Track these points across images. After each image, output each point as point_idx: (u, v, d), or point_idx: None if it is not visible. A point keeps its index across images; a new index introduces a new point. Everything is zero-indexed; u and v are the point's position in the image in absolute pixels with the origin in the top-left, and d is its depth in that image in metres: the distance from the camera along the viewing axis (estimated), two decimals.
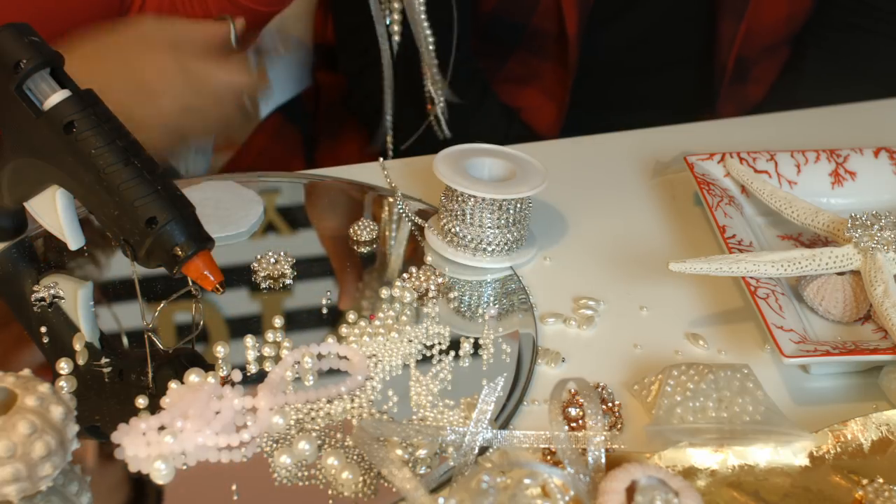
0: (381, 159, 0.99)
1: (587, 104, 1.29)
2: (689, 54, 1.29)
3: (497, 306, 0.83)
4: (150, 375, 0.75)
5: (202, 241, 0.75)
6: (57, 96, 0.74)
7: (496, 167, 0.89)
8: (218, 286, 0.75)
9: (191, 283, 0.77)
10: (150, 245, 0.73)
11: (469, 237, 0.86)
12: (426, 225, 0.90)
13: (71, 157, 0.73)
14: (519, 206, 0.86)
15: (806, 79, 1.29)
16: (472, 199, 0.85)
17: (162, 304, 0.80)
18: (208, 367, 0.75)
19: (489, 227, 0.85)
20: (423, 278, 0.83)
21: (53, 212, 0.78)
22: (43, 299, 0.81)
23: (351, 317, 0.80)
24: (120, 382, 0.75)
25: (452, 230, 0.87)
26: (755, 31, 1.25)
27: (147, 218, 0.73)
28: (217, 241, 0.79)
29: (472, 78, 1.26)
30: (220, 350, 0.76)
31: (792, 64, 1.32)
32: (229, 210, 0.89)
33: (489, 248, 0.86)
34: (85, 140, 0.73)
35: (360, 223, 0.91)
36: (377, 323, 0.80)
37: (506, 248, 0.87)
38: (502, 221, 0.85)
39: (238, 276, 0.85)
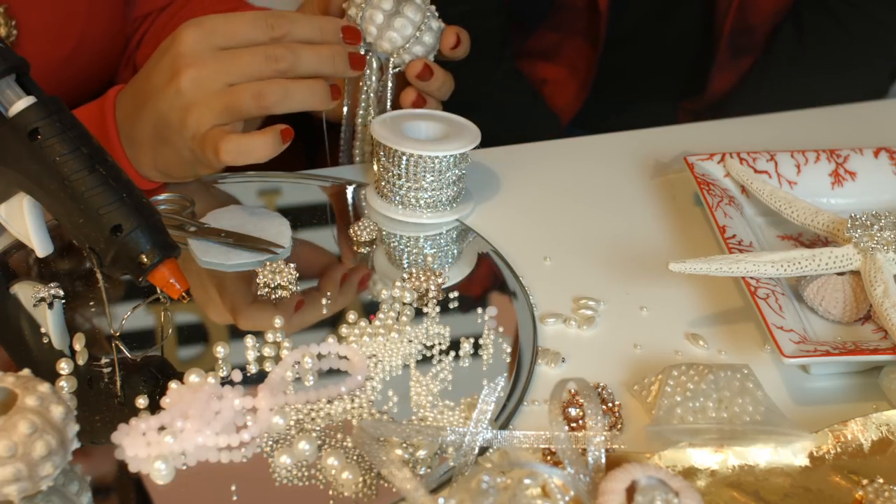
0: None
1: (596, 82, 1.28)
2: (693, 21, 1.29)
3: (455, 256, 0.89)
4: (118, 383, 0.75)
5: (168, 248, 0.74)
6: (22, 103, 0.73)
7: (431, 129, 0.94)
8: (184, 294, 0.75)
9: (158, 292, 0.77)
10: (115, 253, 0.73)
11: (407, 194, 0.91)
12: (365, 189, 0.96)
13: (35, 164, 0.73)
14: (454, 161, 0.91)
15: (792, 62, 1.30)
16: (409, 157, 0.90)
17: (128, 314, 0.80)
18: (177, 374, 0.75)
19: (428, 183, 0.91)
20: (423, 278, 0.83)
21: (21, 218, 0.77)
22: (43, 299, 0.80)
23: (351, 317, 0.80)
24: (91, 391, 0.74)
25: (390, 188, 0.92)
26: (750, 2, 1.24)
27: (112, 226, 0.72)
28: (258, 261, 0.84)
29: (511, 72, 1.26)
30: (220, 350, 0.76)
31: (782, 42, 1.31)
32: (262, 230, 0.89)
33: (427, 204, 0.92)
34: (49, 147, 0.73)
35: (360, 223, 0.91)
36: (377, 323, 0.80)
37: (445, 203, 0.92)
38: (440, 178, 0.91)
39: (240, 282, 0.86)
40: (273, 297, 0.83)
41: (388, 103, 0.98)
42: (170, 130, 0.86)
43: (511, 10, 1.26)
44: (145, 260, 0.73)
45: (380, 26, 0.93)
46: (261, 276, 0.84)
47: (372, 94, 0.98)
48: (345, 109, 1.00)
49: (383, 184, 0.93)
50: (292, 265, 0.84)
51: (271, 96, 0.84)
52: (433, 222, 0.92)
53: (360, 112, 0.99)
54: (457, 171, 0.91)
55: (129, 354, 0.76)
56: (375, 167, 0.94)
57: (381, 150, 0.92)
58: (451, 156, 0.90)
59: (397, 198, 0.92)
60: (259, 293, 0.83)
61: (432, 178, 0.90)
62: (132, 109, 0.88)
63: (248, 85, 0.84)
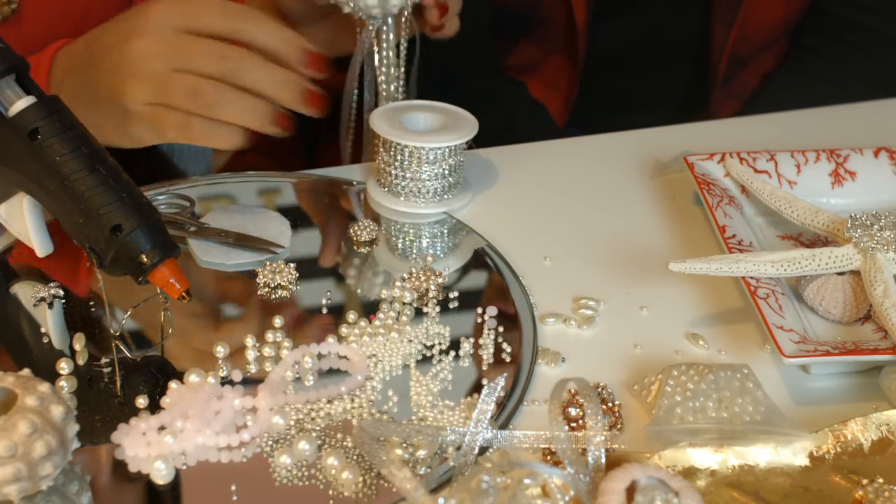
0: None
1: (589, 98, 1.29)
2: (688, 50, 1.29)
3: (443, 248, 0.90)
4: (118, 383, 0.75)
5: (168, 248, 0.74)
6: (22, 102, 0.74)
7: (430, 120, 0.94)
8: (184, 294, 0.75)
9: (158, 292, 0.77)
10: (115, 253, 0.73)
11: (406, 184, 0.92)
12: (367, 179, 0.96)
13: (35, 164, 0.73)
14: (451, 152, 0.91)
15: (798, 76, 1.30)
16: (407, 149, 0.90)
17: (128, 312, 0.80)
18: (178, 374, 0.75)
19: (425, 174, 0.91)
20: (423, 278, 0.83)
21: (21, 218, 0.77)
22: (43, 299, 0.81)
23: (351, 317, 0.80)
24: (91, 391, 0.74)
25: (389, 179, 0.92)
26: (747, 34, 1.25)
27: (112, 225, 0.72)
28: (258, 261, 0.85)
29: (501, 78, 1.26)
30: (220, 350, 0.76)
31: (786, 61, 1.32)
32: (262, 230, 0.89)
33: (425, 194, 0.92)
34: (50, 147, 0.73)
35: (359, 223, 0.91)
36: (377, 323, 0.80)
37: (441, 193, 0.93)
38: (436, 168, 0.91)
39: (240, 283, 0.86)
40: (273, 297, 0.83)
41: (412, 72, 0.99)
42: (102, 91, 0.85)
43: (495, 23, 1.27)
44: (145, 260, 0.73)
45: None
46: (261, 276, 0.84)
47: (392, 85, 0.98)
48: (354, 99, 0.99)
49: (383, 175, 0.93)
50: (292, 265, 0.84)
51: (204, 98, 0.83)
52: (429, 212, 0.93)
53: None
54: (451, 162, 0.92)
55: (129, 354, 0.76)
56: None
57: (379, 142, 0.92)
58: (448, 147, 0.91)
59: (397, 188, 0.92)
60: (259, 293, 0.84)
61: (428, 169, 0.91)
62: (76, 63, 0.88)
63: (189, 79, 0.84)
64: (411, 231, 0.93)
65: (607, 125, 1.11)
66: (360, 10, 0.93)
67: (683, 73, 1.31)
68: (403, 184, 0.92)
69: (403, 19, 0.97)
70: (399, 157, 0.91)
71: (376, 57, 0.97)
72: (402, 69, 0.98)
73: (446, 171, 0.92)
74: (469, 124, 0.93)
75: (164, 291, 0.75)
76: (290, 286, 0.84)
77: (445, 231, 0.93)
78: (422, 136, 0.91)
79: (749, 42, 1.26)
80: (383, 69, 0.98)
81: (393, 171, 0.92)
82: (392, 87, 0.99)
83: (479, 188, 0.98)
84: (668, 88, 1.32)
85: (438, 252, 0.90)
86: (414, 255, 0.90)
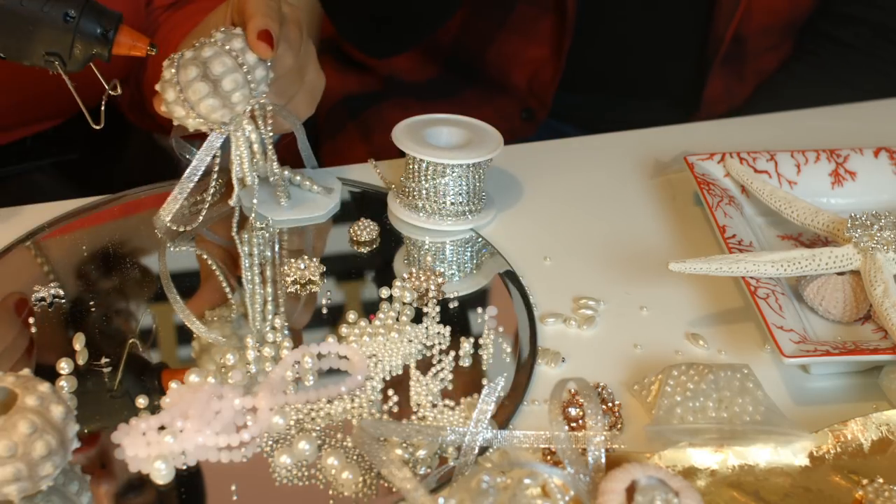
0: (372, 160, 0.99)
1: (586, 74, 1.28)
2: (690, 24, 1.28)
3: (468, 269, 0.88)
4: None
5: (115, 14, 0.77)
6: None
7: (454, 135, 0.93)
8: (149, 47, 0.77)
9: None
10: (74, 39, 0.75)
11: (429, 201, 0.90)
12: (389, 192, 0.94)
13: None
14: (475, 169, 0.90)
15: (795, 81, 1.30)
16: (432, 166, 0.89)
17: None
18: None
19: (450, 191, 0.90)
20: (423, 278, 0.83)
21: None
22: (43, 299, 0.81)
23: (351, 317, 0.80)
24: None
25: (413, 195, 0.91)
26: (753, 10, 1.24)
27: (63, 14, 0.75)
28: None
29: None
30: (226, 355, 0.76)
31: (785, 65, 1.32)
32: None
33: (449, 211, 0.91)
34: None
35: (359, 223, 0.91)
36: (377, 323, 0.80)
37: (466, 210, 0.91)
38: (461, 185, 0.90)
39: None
40: (303, 293, 0.84)
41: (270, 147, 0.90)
42: None
43: None
44: (107, 27, 0.76)
45: (218, 99, 0.81)
46: (291, 273, 0.84)
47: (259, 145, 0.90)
48: None
49: (403, 188, 0.92)
50: (316, 260, 0.85)
51: None
52: (452, 229, 0.91)
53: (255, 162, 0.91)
54: (473, 180, 0.90)
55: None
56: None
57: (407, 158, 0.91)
58: (468, 164, 0.89)
59: (419, 203, 0.91)
60: (289, 290, 0.84)
61: (447, 184, 0.90)
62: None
63: None
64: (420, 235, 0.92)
65: (609, 124, 1.11)
66: (206, 119, 0.82)
67: (686, 47, 1.30)
68: (424, 198, 0.90)
69: (253, 115, 0.87)
70: (419, 172, 0.90)
71: (243, 151, 0.88)
72: (270, 152, 0.89)
73: (469, 188, 0.91)
74: (493, 140, 0.91)
75: (132, 53, 0.77)
76: (319, 281, 0.85)
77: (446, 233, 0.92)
78: (443, 151, 0.90)
79: (754, 22, 1.25)
80: (245, 159, 0.89)
81: (412, 186, 0.91)
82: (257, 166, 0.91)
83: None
84: (667, 66, 1.31)
85: (438, 252, 0.90)
86: (413, 255, 0.90)
